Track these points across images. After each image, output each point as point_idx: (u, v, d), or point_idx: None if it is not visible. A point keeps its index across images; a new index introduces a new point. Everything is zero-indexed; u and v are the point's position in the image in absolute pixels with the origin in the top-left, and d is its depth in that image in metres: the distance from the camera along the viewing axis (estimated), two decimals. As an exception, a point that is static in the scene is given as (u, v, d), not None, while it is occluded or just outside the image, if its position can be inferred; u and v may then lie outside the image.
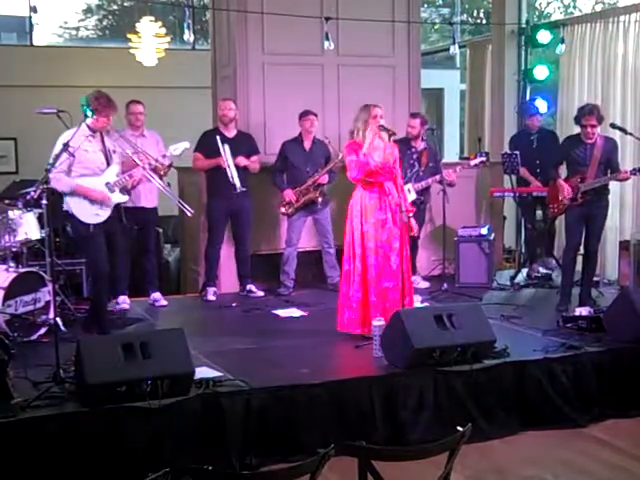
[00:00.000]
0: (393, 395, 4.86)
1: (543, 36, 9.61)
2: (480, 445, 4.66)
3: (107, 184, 5.89)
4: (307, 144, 7.57)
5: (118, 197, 5.98)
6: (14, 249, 6.17)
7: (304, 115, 7.50)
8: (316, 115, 7.55)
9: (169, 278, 8.85)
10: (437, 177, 7.59)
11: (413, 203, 6.97)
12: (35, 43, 12.58)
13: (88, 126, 5.79)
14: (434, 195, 7.89)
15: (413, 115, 7.80)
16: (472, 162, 7.97)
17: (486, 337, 5.16)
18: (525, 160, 8.24)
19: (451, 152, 13.66)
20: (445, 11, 15.82)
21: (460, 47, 10.01)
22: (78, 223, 5.86)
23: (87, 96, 5.79)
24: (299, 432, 4.61)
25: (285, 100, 7.87)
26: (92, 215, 5.84)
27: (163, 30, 10.35)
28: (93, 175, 5.85)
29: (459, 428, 3.09)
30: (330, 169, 7.48)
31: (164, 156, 6.47)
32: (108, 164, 5.93)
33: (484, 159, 7.94)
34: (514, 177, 8.49)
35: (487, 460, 4.58)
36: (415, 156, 7.61)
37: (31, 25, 12.43)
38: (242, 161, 7.28)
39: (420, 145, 7.70)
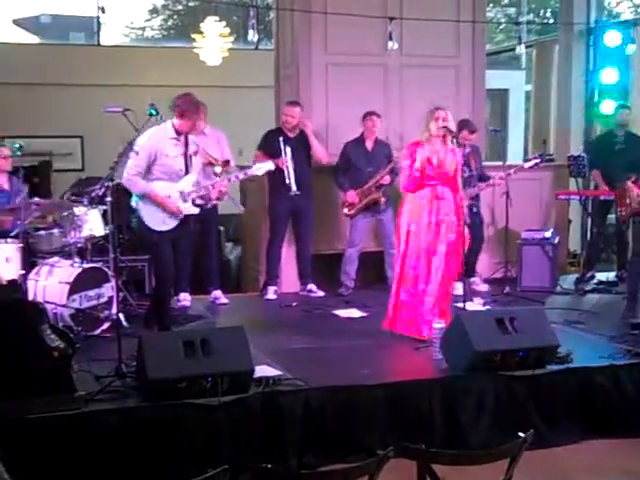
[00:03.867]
0: (452, 398, 4.81)
1: (612, 36, 9.41)
2: (542, 452, 4.55)
3: (181, 193, 5.71)
4: (369, 144, 7.54)
5: (189, 209, 5.78)
6: (79, 245, 6.30)
7: (367, 115, 7.47)
8: (379, 116, 7.52)
9: (230, 276, 8.91)
10: (490, 182, 7.48)
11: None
12: (102, 43, 12.80)
13: (175, 128, 5.63)
14: (497, 197, 7.78)
15: (472, 131, 7.53)
16: (526, 165, 7.78)
17: (549, 342, 5.07)
18: (605, 163, 8.04)
19: (515, 154, 13.47)
20: (511, 10, 15.60)
21: (526, 47, 9.85)
22: (145, 227, 5.74)
23: (176, 96, 5.66)
24: (357, 433, 4.59)
25: (347, 100, 7.84)
26: (160, 223, 5.69)
27: (227, 30, 10.43)
28: (169, 180, 5.68)
29: (520, 434, 3.04)
30: (392, 169, 7.44)
31: (245, 173, 6.26)
32: (187, 171, 5.75)
33: (538, 160, 7.75)
34: (580, 180, 8.31)
35: (549, 467, 4.50)
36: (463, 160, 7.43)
37: (99, 25, 12.65)
38: (309, 125, 7.35)
39: (467, 149, 7.56)
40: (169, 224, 5.72)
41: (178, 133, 5.65)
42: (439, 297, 5.76)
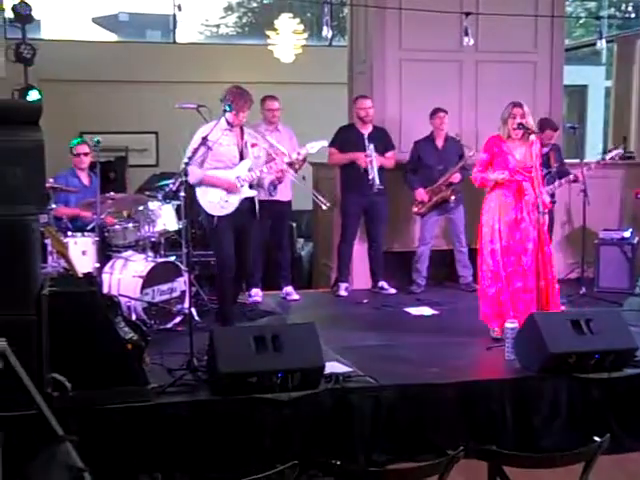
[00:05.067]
0: (525, 400, 4.72)
1: (696, 30, 9.12)
2: (618, 457, 4.43)
3: (237, 178, 5.93)
4: (439, 142, 7.46)
5: (246, 191, 5.99)
6: (153, 239, 6.39)
7: (434, 113, 7.41)
8: (446, 112, 7.42)
9: (301, 272, 8.93)
10: (571, 177, 7.31)
11: None
12: (178, 40, 12.96)
13: (227, 120, 5.86)
14: (574, 196, 7.62)
15: (555, 129, 7.43)
16: (607, 156, 7.58)
17: (626, 344, 4.92)
18: None
19: (593, 151, 13.18)
20: (591, 5, 15.24)
21: (607, 42, 9.59)
22: (205, 214, 5.96)
23: (224, 90, 5.89)
24: (427, 432, 4.55)
25: (421, 97, 7.76)
26: (218, 207, 5.90)
27: (301, 27, 10.47)
28: (225, 168, 5.92)
29: (596, 438, 2.96)
30: (462, 166, 7.34)
31: (299, 153, 6.42)
32: (242, 158, 5.98)
33: (621, 151, 7.56)
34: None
35: (625, 473, 4.39)
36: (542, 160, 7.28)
37: (175, 23, 12.82)
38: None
39: (547, 147, 7.40)
40: (227, 207, 5.90)
41: (230, 124, 5.89)
42: (540, 296, 5.63)
